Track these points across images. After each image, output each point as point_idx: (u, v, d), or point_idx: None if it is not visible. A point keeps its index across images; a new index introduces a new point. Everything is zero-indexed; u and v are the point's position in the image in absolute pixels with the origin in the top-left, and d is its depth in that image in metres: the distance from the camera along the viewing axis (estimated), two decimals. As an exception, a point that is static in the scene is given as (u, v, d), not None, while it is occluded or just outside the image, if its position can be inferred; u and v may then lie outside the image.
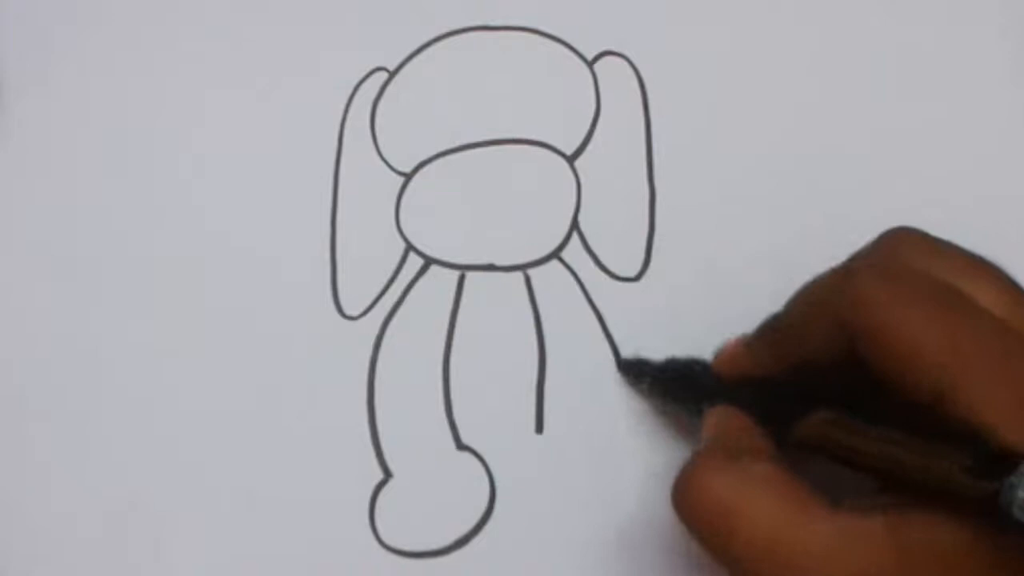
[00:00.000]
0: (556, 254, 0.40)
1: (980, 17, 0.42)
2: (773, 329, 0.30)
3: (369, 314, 0.40)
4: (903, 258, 0.28)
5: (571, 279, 0.39)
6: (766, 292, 0.38)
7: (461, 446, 0.37)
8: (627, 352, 0.38)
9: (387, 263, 0.40)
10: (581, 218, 0.40)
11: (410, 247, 0.41)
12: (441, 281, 0.40)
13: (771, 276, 0.38)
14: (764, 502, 0.25)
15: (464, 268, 0.40)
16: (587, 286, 0.39)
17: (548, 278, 0.39)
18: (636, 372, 0.36)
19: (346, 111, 0.43)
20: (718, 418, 0.31)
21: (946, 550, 0.24)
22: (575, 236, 0.40)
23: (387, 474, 0.37)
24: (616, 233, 0.40)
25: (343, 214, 0.42)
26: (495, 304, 0.39)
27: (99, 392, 0.40)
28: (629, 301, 0.39)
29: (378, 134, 0.43)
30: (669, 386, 0.35)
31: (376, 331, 0.39)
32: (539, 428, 0.37)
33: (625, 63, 0.42)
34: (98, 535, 0.37)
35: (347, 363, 0.39)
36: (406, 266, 0.40)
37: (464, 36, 0.44)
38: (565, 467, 0.37)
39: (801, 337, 0.29)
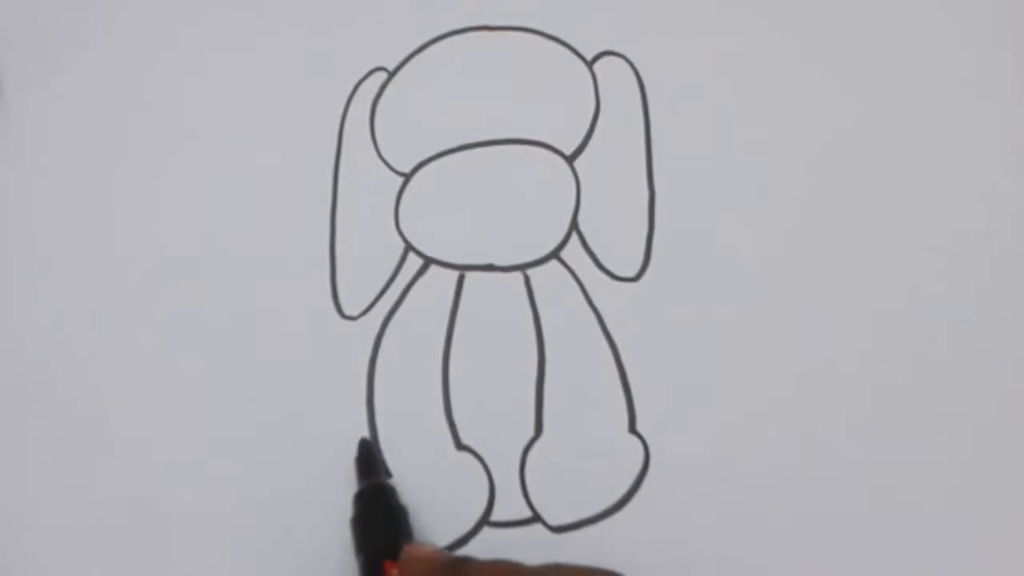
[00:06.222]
0: (555, 254, 0.40)
1: (980, 18, 0.42)
2: None
3: (369, 314, 0.40)
4: None
5: (570, 279, 0.39)
6: (765, 292, 0.38)
7: (461, 446, 0.37)
8: (628, 352, 0.38)
9: (387, 263, 0.41)
10: (580, 218, 0.40)
11: (410, 247, 0.41)
12: (441, 281, 0.40)
13: (771, 276, 0.38)
14: None
15: (463, 268, 0.40)
16: (586, 286, 0.39)
17: (547, 278, 0.39)
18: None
19: (346, 111, 0.43)
20: None
21: None
22: (574, 236, 0.40)
23: (387, 474, 0.37)
24: (616, 233, 0.40)
25: (343, 214, 0.42)
26: (494, 304, 0.39)
27: (99, 392, 0.40)
28: (628, 301, 0.39)
29: (378, 134, 0.43)
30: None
31: (376, 331, 0.39)
32: (538, 428, 0.37)
33: (625, 63, 0.42)
34: (100, 534, 0.37)
35: (347, 363, 0.39)
36: (406, 266, 0.40)
37: (464, 36, 0.44)
38: (565, 467, 0.37)
39: None
